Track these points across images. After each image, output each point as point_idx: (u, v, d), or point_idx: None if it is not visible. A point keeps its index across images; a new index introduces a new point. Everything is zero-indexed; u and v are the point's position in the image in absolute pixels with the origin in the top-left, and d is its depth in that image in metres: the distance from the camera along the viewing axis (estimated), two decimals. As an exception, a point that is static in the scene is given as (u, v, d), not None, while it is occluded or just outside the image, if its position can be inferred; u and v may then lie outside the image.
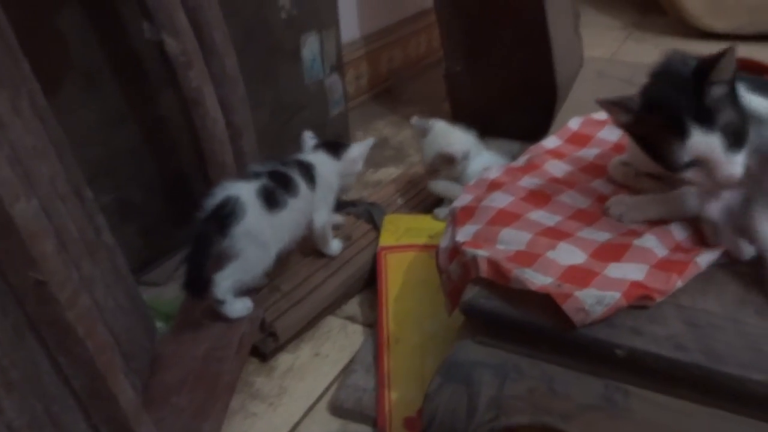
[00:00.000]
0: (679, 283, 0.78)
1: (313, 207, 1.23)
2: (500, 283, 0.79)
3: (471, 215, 0.97)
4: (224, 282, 1.07)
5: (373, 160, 1.83)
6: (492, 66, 1.75)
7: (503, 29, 1.67)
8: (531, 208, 0.96)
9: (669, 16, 2.90)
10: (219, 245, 1.06)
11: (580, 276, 0.80)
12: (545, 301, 0.76)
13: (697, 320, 0.77)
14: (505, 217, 0.93)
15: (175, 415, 0.84)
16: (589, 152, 1.14)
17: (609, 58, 2.64)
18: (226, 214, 1.05)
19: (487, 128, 1.63)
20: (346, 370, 1.13)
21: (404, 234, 1.29)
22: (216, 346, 0.99)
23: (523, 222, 0.92)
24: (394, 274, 1.22)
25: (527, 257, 0.83)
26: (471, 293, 0.82)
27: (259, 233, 1.09)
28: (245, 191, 1.10)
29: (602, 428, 0.76)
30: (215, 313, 1.08)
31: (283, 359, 1.16)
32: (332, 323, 1.26)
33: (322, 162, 1.27)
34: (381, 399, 1.03)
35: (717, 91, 0.79)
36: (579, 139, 1.17)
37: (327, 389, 1.11)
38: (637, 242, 0.85)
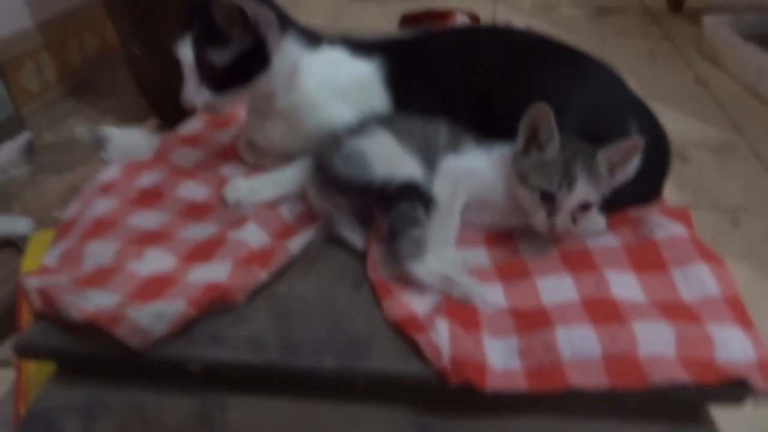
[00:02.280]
0: (264, 275, 0.72)
1: None
2: (55, 316, 0.67)
3: (69, 230, 0.83)
4: None
5: (58, 164, 1.60)
6: (169, 44, 1.59)
7: (169, 5, 1.52)
8: (135, 211, 0.85)
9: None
10: None
11: (157, 287, 0.70)
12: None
13: (286, 309, 0.71)
14: (100, 228, 0.81)
15: None
16: (228, 132, 1.05)
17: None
18: None
19: (178, 110, 1.50)
20: (-22, 432, 0.95)
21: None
22: None
23: (117, 230, 0.80)
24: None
25: (103, 275, 0.72)
26: (27, 332, 0.69)
27: None
28: None
29: (199, 450, 0.69)
30: None
31: None
32: (-25, 375, 1.06)
33: None
34: (10, 460, 0.87)
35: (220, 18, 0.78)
36: (221, 120, 1.08)
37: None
38: (233, 235, 0.77)
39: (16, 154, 1.21)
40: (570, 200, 0.72)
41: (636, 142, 0.74)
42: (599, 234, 0.78)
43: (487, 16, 2.46)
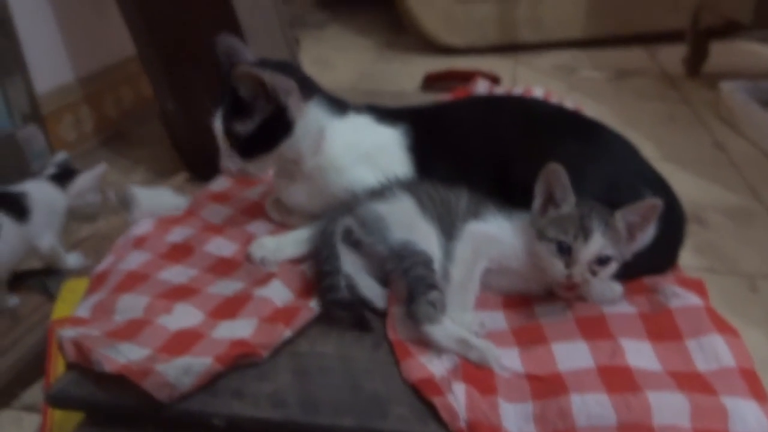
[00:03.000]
0: (288, 333, 0.74)
1: (31, 236, 1.23)
2: (87, 367, 0.70)
3: (102, 282, 0.87)
4: None
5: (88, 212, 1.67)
6: (201, 101, 1.67)
7: (203, 64, 1.61)
8: (166, 265, 0.88)
9: (414, 36, 3.04)
10: None
11: (185, 342, 0.73)
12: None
13: (307, 367, 0.73)
14: (132, 281, 0.84)
15: None
16: (256, 190, 1.09)
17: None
18: None
19: (209, 164, 1.57)
20: (2, 478, 0.97)
21: (83, 302, 1.15)
22: None
23: (148, 284, 0.84)
24: (66, 351, 1.08)
25: (134, 328, 0.75)
26: (59, 382, 0.72)
27: None
28: None
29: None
30: None
31: None
32: (2, 418, 1.08)
33: (40, 189, 1.28)
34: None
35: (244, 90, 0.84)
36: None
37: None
38: (258, 292, 0.80)
39: (93, 182, 1.34)
40: (586, 251, 0.74)
41: (654, 202, 0.75)
42: (615, 301, 0.79)
43: (507, 76, 2.53)
